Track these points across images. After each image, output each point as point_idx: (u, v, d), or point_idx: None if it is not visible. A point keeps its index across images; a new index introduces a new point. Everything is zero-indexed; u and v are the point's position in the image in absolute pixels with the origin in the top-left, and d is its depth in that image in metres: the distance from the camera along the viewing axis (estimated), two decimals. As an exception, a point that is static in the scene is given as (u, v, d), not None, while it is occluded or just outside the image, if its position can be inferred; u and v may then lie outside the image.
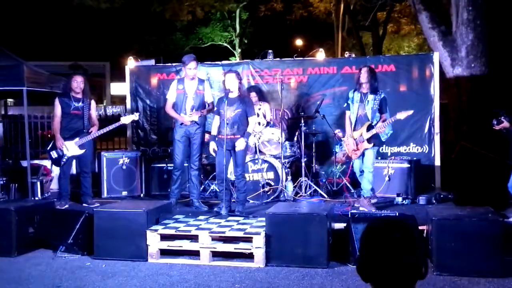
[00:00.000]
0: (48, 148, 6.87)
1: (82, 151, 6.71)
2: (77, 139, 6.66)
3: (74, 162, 7.03)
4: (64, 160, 6.68)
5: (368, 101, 6.17)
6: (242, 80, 6.52)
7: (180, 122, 6.51)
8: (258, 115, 7.59)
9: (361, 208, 6.06)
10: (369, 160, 6.20)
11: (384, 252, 1.55)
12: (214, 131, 6.32)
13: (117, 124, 6.98)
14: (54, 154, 6.70)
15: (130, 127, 8.60)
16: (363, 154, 6.25)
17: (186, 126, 6.51)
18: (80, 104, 6.78)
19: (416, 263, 1.56)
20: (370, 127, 6.13)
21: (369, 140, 6.12)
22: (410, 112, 6.00)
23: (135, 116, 7.12)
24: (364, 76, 6.14)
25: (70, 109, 6.73)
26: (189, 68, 6.47)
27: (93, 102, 7.04)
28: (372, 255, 1.58)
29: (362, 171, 6.33)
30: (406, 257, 1.54)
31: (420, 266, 1.57)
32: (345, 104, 6.45)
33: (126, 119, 7.03)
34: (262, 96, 7.96)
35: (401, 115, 5.97)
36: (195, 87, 6.54)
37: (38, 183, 7.52)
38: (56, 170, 7.90)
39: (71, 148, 6.65)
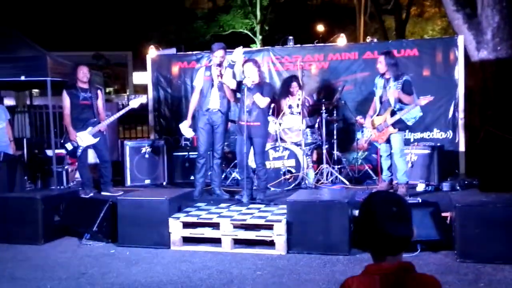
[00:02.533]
0: (62, 140, 6.95)
1: (96, 140, 6.77)
2: (90, 128, 6.71)
3: (90, 151, 7.10)
4: (79, 151, 6.75)
5: (390, 86, 6.12)
6: (261, 67, 6.49)
7: (204, 109, 6.52)
8: (298, 105, 7.41)
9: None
10: (396, 145, 6.13)
11: (382, 223, 1.71)
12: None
13: (127, 109, 7.02)
14: (69, 146, 6.77)
15: (152, 116, 8.68)
16: (389, 139, 6.20)
17: (209, 114, 6.51)
18: (88, 94, 6.81)
19: (409, 235, 1.73)
20: (393, 113, 6.07)
21: (393, 125, 6.07)
22: (431, 98, 5.95)
23: (143, 99, 7.24)
24: (381, 67, 6.12)
25: (79, 100, 6.75)
26: (215, 56, 6.48)
27: (99, 92, 7.06)
28: (371, 225, 1.73)
29: (388, 156, 6.29)
30: (402, 229, 1.72)
31: (411, 237, 1.74)
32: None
33: (134, 103, 7.04)
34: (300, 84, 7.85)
35: (421, 101, 5.92)
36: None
37: (64, 172, 7.66)
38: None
39: (85, 138, 6.72)
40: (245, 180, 6.06)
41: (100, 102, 6.95)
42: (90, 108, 6.81)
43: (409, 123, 6.23)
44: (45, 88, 7.51)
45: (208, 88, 6.52)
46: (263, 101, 6.01)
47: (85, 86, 6.83)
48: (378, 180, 6.84)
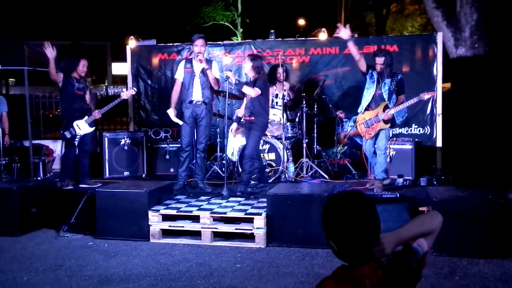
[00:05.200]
0: (62, 129, 6.81)
1: (92, 129, 6.72)
2: (86, 117, 6.66)
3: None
4: (77, 139, 6.68)
5: (385, 82, 6.09)
6: (260, 61, 6.43)
7: (187, 101, 6.48)
8: (284, 96, 7.32)
9: (375, 190, 6.04)
10: (382, 141, 6.16)
11: (353, 216, 1.70)
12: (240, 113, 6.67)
13: (118, 100, 6.96)
14: (68, 134, 6.69)
15: (131, 107, 8.59)
16: (376, 135, 6.21)
17: (192, 106, 6.47)
18: (81, 85, 6.77)
19: (378, 225, 1.72)
20: (386, 108, 6.09)
21: (385, 121, 6.10)
22: (433, 93, 6.10)
23: (134, 91, 7.18)
24: (381, 67, 6.05)
25: (73, 89, 6.70)
26: (196, 45, 6.43)
27: (88, 84, 7.03)
28: (341, 220, 1.70)
29: (374, 152, 6.32)
30: (371, 219, 1.71)
31: (379, 229, 1.73)
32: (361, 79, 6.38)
33: (126, 94, 7.01)
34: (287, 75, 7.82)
35: (425, 96, 5.97)
36: (201, 67, 6.48)
37: (41, 163, 7.54)
38: (58, 150, 7.91)
39: (83, 127, 6.66)
40: (226, 173, 6.06)
41: (88, 94, 6.91)
42: (82, 99, 6.76)
43: (398, 122, 6.30)
44: (22, 77, 7.38)
45: (190, 80, 6.48)
46: (250, 90, 6.04)
47: (78, 77, 6.77)
48: (367, 175, 6.84)
